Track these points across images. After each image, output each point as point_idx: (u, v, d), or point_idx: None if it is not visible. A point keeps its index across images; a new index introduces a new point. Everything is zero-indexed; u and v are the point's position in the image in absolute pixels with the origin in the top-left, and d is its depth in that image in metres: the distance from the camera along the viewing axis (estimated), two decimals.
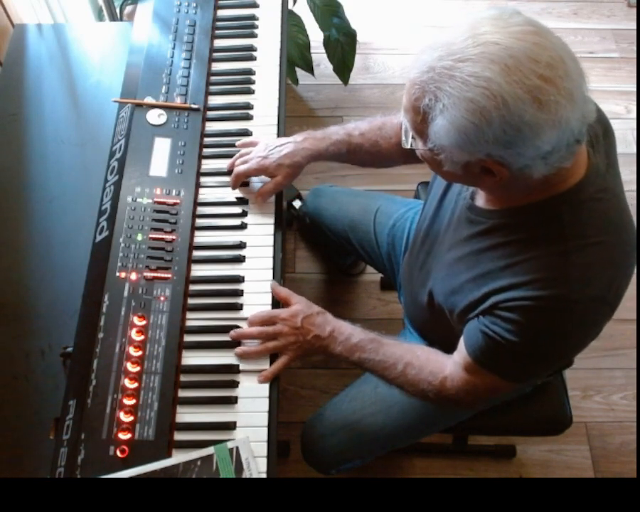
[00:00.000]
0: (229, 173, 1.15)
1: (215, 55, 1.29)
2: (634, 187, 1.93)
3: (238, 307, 1.04)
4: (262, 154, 1.12)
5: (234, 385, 0.99)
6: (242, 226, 1.11)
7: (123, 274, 1.03)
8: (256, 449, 0.93)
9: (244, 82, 1.26)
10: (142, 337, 0.99)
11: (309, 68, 1.94)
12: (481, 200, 0.92)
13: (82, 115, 1.28)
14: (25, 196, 1.18)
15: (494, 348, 0.87)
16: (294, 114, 2.17)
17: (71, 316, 1.03)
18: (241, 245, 1.09)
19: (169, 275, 1.04)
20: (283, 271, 1.22)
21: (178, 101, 1.20)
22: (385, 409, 1.19)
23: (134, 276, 1.03)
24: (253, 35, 1.32)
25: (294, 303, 1.04)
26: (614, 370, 1.78)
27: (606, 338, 1.80)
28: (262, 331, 1.01)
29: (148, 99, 1.19)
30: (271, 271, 1.07)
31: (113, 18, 1.59)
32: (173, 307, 1.01)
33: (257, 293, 1.06)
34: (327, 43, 1.90)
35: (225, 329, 1.02)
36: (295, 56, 1.88)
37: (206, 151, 1.18)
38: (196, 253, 1.08)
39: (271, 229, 1.12)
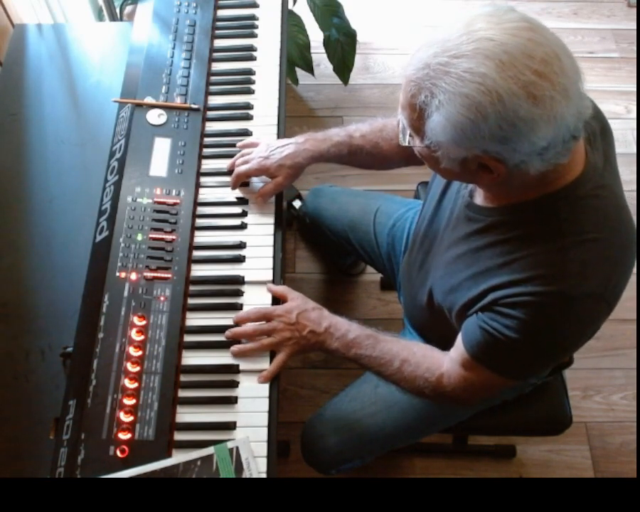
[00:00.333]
0: (229, 173, 1.15)
1: (215, 55, 1.29)
2: (634, 187, 1.93)
3: (238, 307, 1.04)
4: (264, 155, 1.12)
5: (234, 385, 0.99)
6: (242, 226, 1.11)
7: (123, 274, 1.03)
8: (256, 449, 0.93)
9: (244, 82, 1.26)
10: (142, 337, 0.99)
11: (309, 68, 1.94)
12: (479, 198, 0.92)
13: (82, 115, 1.28)
14: (25, 196, 1.18)
15: (492, 344, 0.87)
16: (294, 114, 2.17)
17: (71, 316, 1.03)
18: (241, 245, 1.09)
19: (169, 275, 1.04)
20: (283, 271, 1.22)
21: (178, 101, 1.20)
22: (385, 409, 1.19)
23: (134, 276, 1.03)
24: (253, 35, 1.32)
25: (290, 299, 1.04)
26: (614, 370, 1.78)
27: (606, 338, 1.80)
28: (256, 329, 1.01)
29: (148, 99, 1.19)
30: (271, 271, 1.07)
31: (113, 18, 1.59)
32: (173, 307, 1.01)
33: (257, 293, 1.06)
34: (327, 43, 1.90)
35: (225, 329, 1.02)
36: (295, 56, 1.89)
37: (206, 151, 1.18)
38: (196, 253, 1.08)
39: (271, 229, 1.12)
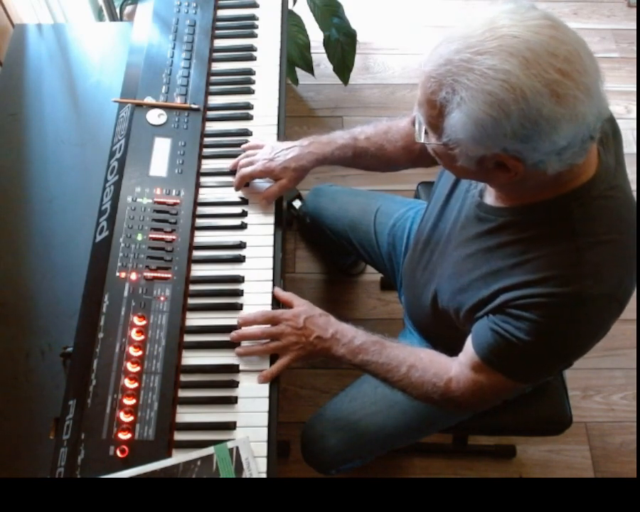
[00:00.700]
0: (229, 173, 1.15)
1: (215, 55, 1.29)
2: (634, 187, 1.93)
3: (238, 307, 1.04)
4: (268, 157, 1.12)
5: (234, 385, 0.99)
6: (242, 226, 1.11)
7: (123, 274, 1.03)
8: (256, 449, 0.93)
9: (244, 82, 1.26)
10: (142, 337, 0.99)
11: (309, 68, 1.94)
12: (490, 197, 0.91)
13: (82, 115, 1.28)
14: (25, 196, 1.18)
15: (505, 347, 0.86)
16: (294, 114, 2.17)
17: (71, 316, 1.03)
18: (241, 245, 1.09)
19: (169, 275, 1.04)
20: (283, 271, 1.22)
21: (178, 101, 1.20)
22: (385, 409, 1.19)
23: (134, 276, 1.03)
24: (253, 35, 1.32)
25: (297, 305, 1.04)
26: (614, 370, 1.78)
27: (607, 338, 1.75)
28: (264, 331, 1.01)
29: (148, 99, 1.19)
30: (271, 271, 1.07)
31: (113, 18, 1.59)
32: (173, 307, 1.01)
33: (257, 293, 1.06)
34: (327, 43, 1.90)
35: (225, 329, 1.02)
36: (295, 56, 1.89)
37: (206, 151, 1.18)
38: (196, 253, 1.08)
39: (271, 229, 1.12)
